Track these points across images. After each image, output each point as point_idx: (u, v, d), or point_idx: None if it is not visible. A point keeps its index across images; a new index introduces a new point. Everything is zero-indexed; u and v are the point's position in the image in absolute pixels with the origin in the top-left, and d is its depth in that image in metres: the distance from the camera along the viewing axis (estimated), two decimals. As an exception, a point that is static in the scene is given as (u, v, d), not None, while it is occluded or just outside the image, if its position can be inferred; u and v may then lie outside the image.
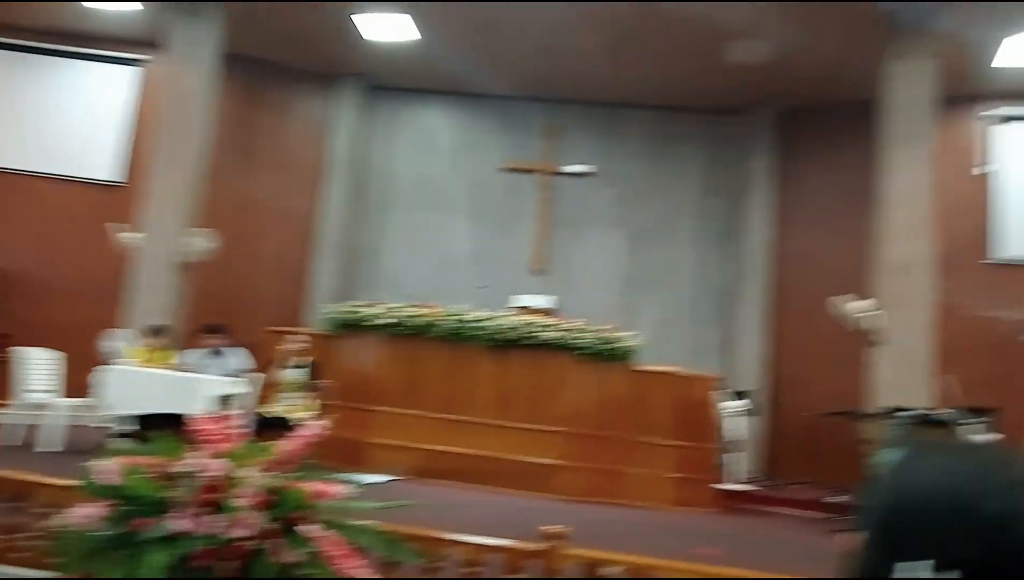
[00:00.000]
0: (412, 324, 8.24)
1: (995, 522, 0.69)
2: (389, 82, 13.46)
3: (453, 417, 8.00)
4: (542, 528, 3.19)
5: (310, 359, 7.35)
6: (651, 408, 8.19)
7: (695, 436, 8.28)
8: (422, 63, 12.47)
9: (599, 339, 8.02)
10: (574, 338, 7.99)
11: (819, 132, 12.57)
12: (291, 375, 7.14)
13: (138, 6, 11.71)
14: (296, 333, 7.49)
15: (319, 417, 6.57)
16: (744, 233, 12.66)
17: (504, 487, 7.52)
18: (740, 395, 9.99)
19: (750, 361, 12.18)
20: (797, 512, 8.70)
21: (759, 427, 11.43)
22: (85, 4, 11.80)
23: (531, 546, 3.14)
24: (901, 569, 0.72)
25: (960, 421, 6.75)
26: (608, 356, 8.04)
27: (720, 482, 8.90)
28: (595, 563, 3.11)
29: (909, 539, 0.73)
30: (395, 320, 8.31)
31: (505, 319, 8.23)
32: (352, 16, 10.99)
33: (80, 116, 12.85)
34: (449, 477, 7.44)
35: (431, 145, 13.68)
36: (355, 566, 3.00)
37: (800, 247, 12.39)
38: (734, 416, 9.60)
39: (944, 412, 6.86)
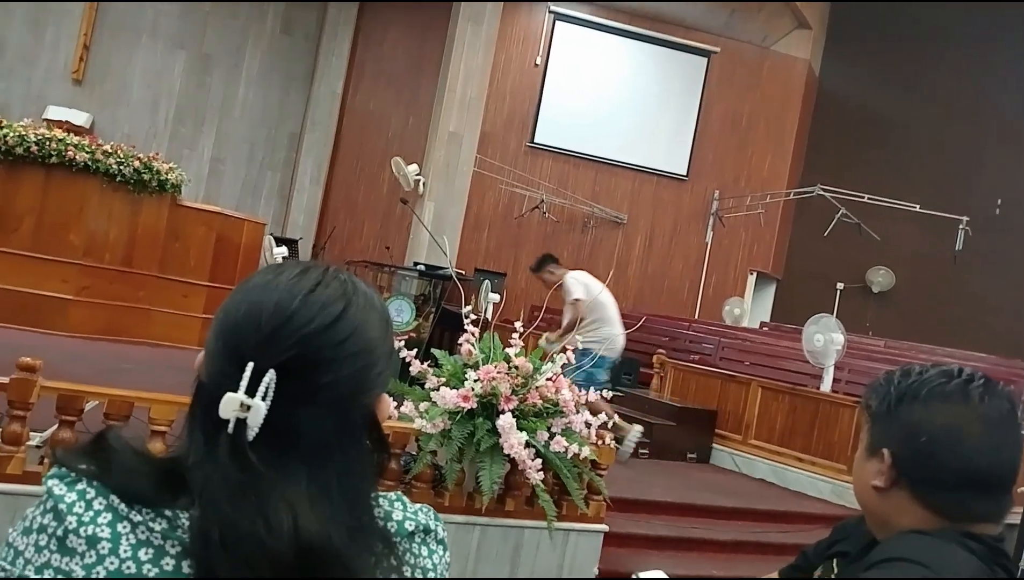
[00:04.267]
0: None
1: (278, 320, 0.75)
2: None
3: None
4: (19, 360, 2.89)
5: None
6: (190, 247, 7.84)
7: (233, 279, 8.17)
8: None
9: (137, 167, 7.30)
10: (108, 163, 7.16)
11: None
12: None
13: None
14: None
15: None
16: (317, 79, 12.44)
17: (3, 322, 6.62)
18: (283, 242, 10.06)
19: (303, 209, 12.29)
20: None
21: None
22: None
23: (-3, 378, 2.83)
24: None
25: (471, 279, 7.70)
26: (145, 187, 7.39)
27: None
28: (72, 395, 2.93)
29: (227, 347, 0.77)
30: None
31: (22, 130, 7.01)
32: None
33: None
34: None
35: None
36: None
37: (368, 103, 12.62)
38: (276, 261, 9.67)
39: (458, 271, 7.73)
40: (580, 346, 4.67)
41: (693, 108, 12.79)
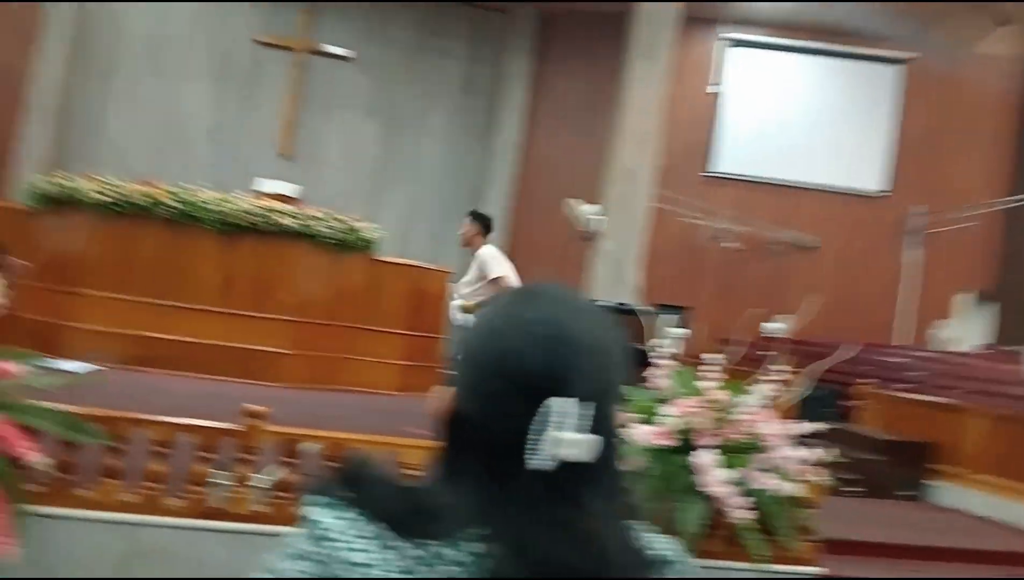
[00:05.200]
0: (133, 202, 7.60)
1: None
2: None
3: (171, 303, 7.57)
4: (243, 407, 3.20)
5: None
6: (384, 298, 8.34)
7: (426, 327, 8.60)
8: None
9: (340, 229, 7.93)
10: (314, 226, 7.83)
11: (574, 38, 13.04)
12: None
13: None
14: None
15: (3, 295, 5.94)
16: (495, 132, 12.98)
17: (225, 375, 7.33)
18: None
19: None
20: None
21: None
22: None
23: (227, 425, 3.14)
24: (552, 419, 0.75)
25: (653, 313, 7.63)
26: (347, 246, 8.00)
27: (445, 368, 9.38)
28: (294, 440, 3.19)
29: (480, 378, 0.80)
30: (112, 197, 7.60)
31: (241, 203, 7.84)
32: None
33: None
34: (166, 365, 7.08)
35: (170, 8, 12.36)
36: (27, 447, 2.85)
37: (545, 150, 12.97)
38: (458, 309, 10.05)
39: (641, 306, 7.68)
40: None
41: (882, 121, 12.06)
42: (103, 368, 6.40)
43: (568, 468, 0.73)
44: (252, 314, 7.70)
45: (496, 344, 0.79)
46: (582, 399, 0.74)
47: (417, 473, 0.85)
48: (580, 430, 0.73)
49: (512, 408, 0.75)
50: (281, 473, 3.24)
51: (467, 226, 6.11)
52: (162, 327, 7.44)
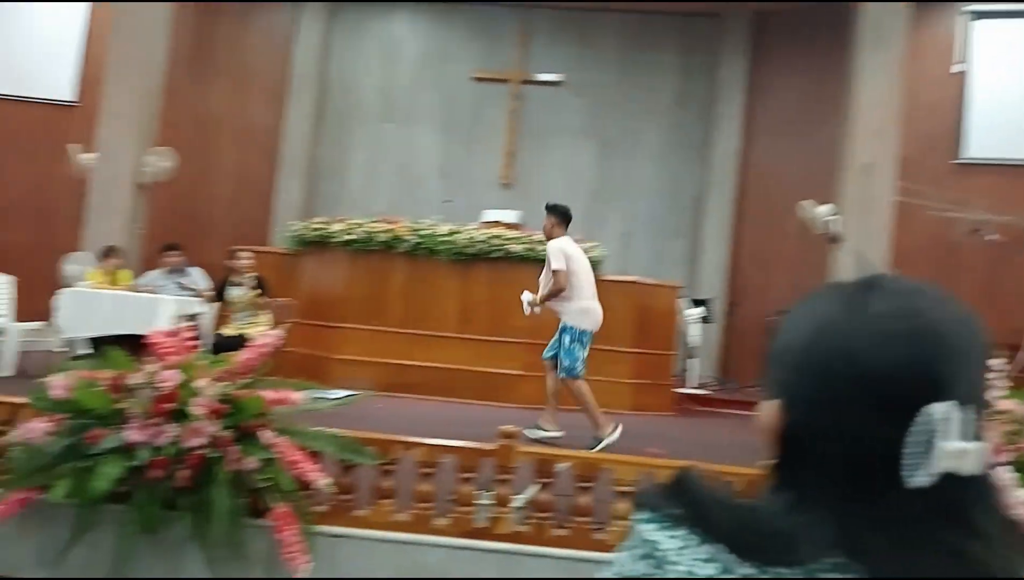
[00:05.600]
0: (377, 240, 8.20)
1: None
2: (352, -9, 13.04)
3: (416, 331, 8.06)
4: (499, 428, 3.28)
5: (255, 276, 7.17)
6: (613, 317, 8.30)
7: (655, 343, 8.46)
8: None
9: (564, 250, 8.04)
10: (539, 250, 8.00)
11: (791, 36, 12.42)
12: (237, 293, 6.99)
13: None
14: (241, 250, 7.27)
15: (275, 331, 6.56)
16: (713, 143, 12.62)
17: (468, 398, 7.66)
18: (698, 303, 10.16)
19: (712, 270, 12.35)
20: (752, 413, 8.98)
21: (716, 333, 11.68)
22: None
23: (485, 446, 3.23)
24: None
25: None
26: (572, 267, 8.08)
27: (678, 387, 9.16)
28: (546, 460, 3.21)
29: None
30: (358, 236, 8.26)
31: (471, 233, 8.21)
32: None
33: (29, 31, 12.32)
34: (413, 390, 7.54)
35: (397, 56, 13.34)
36: (312, 469, 3.09)
37: (765, 155, 12.41)
38: (693, 323, 9.79)
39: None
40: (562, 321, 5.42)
41: None
42: (360, 394, 6.94)
43: (952, 483, 0.64)
44: (488, 338, 7.99)
45: (836, 344, 0.69)
46: (961, 402, 0.65)
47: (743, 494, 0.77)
48: (966, 438, 0.64)
49: (874, 418, 0.66)
50: (536, 493, 3.28)
51: (546, 220, 6.18)
52: (410, 354, 7.93)
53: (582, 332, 5.68)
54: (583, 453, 3.30)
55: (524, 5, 12.89)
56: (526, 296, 5.99)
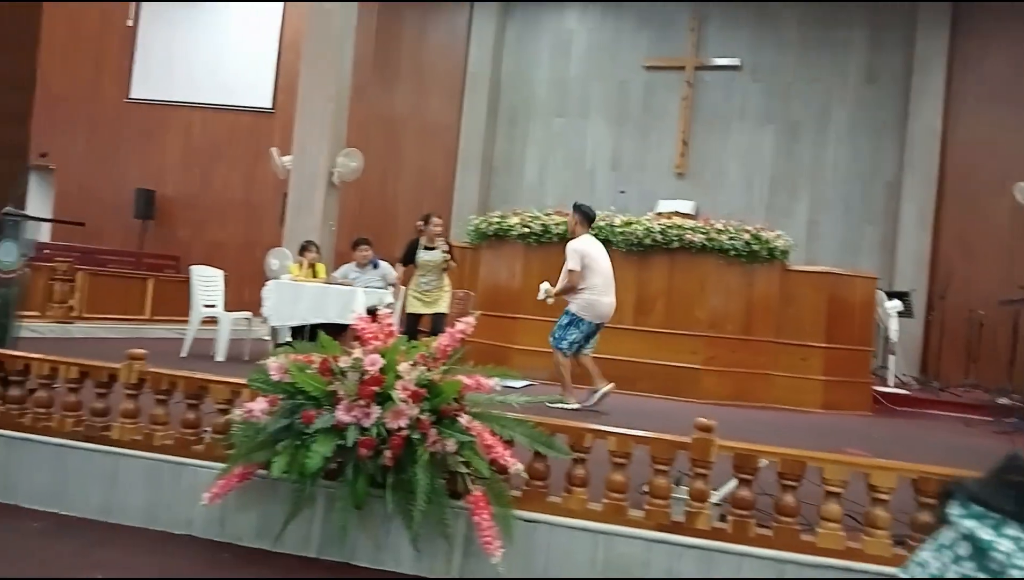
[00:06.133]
0: (553, 232, 8.23)
1: None
2: (525, -12, 13.21)
3: (596, 322, 8.00)
4: (695, 420, 3.16)
5: (445, 240, 7.52)
6: (803, 309, 7.88)
7: (849, 338, 7.94)
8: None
9: (748, 239, 7.71)
10: (719, 239, 7.72)
11: (999, 5, 11.26)
12: (428, 256, 7.37)
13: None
14: (434, 215, 7.63)
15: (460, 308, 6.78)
16: (910, 122, 11.67)
17: (647, 392, 7.52)
18: (896, 295, 9.42)
19: (911, 259, 11.42)
20: (959, 415, 8.22)
21: (916, 328, 10.81)
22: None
23: (681, 438, 3.12)
24: None
25: None
26: (756, 257, 7.74)
27: (875, 384, 8.54)
28: (747, 455, 3.06)
29: None
30: (535, 229, 8.31)
31: (648, 223, 8.04)
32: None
33: (229, 46, 13.42)
34: (589, 382, 7.46)
35: (568, 50, 13.36)
36: (505, 454, 3.11)
37: (970, 132, 11.33)
38: (891, 317, 9.09)
39: None
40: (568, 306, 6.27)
41: None
42: (536, 384, 6.99)
43: None
44: (667, 331, 7.81)
45: None
46: None
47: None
48: None
49: None
50: (735, 489, 3.13)
51: (570, 217, 6.64)
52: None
53: (580, 320, 6.28)
54: (788, 450, 3.10)
55: (696, -11, 12.51)
56: (544, 286, 6.50)
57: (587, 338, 6.41)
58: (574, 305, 6.31)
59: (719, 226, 7.82)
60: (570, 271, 6.27)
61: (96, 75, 13.92)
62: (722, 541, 3.03)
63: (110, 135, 13.75)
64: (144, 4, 13.74)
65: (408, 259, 7.56)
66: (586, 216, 6.55)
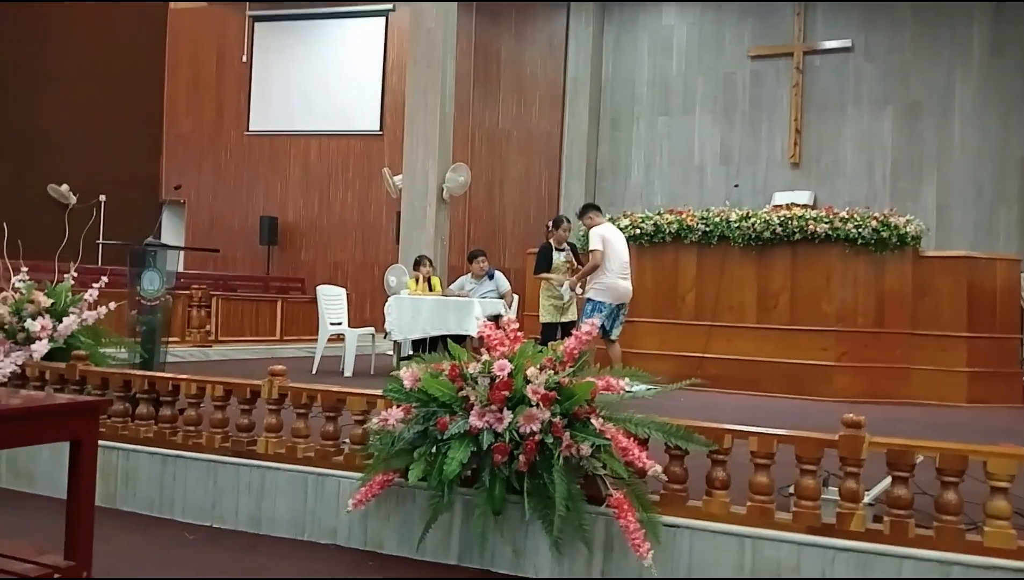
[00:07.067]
0: (666, 231, 8.08)
1: None
2: (620, -11, 13.12)
3: (713, 323, 7.80)
4: (843, 416, 3.00)
5: (571, 244, 7.63)
6: (940, 298, 7.42)
7: (993, 326, 7.42)
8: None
9: (876, 227, 7.33)
10: (844, 228, 7.36)
11: None
12: (560, 258, 7.47)
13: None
14: (563, 218, 7.75)
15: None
16: (1042, 93, 10.88)
17: (772, 391, 7.26)
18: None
19: (1057, 239, 10.61)
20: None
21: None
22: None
23: (829, 435, 2.97)
24: None
25: None
26: (885, 245, 7.35)
27: (1026, 375, 7.94)
28: (902, 450, 2.88)
29: None
30: (647, 229, 8.18)
31: (767, 216, 7.77)
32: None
33: (337, 73, 13.93)
34: (714, 384, 7.27)
35: (670, 47, 13.17)
36: (643, 456, 3.04)
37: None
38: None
39: None
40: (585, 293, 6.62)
41: None
42: (659, 388, 6.86)
43: None
44: (792, 327, 7.53)
45: None
46: None
47: None
48: None
49: None
50: (888, 488, 2.95)
51: (584, 220, 7.02)
52: (707, 347, 7.71)
53: (599, 303, 6.54)
54: (947, 443, 2.90)
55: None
56: (565, 284, 6.97)
57: (611, 321, 6.62)
58: (592, 291, 6.60)
59: (843, 214, 7.47)
60: (592, 251, 6.64)
61: (217, 111, 14.73)
62: (879, 543, 2.86)
63: (234, 167, 14.50)
64: (257, 40, 14.44)
65: (543, 265, 7.50)
66: (595, 208, 7.10)
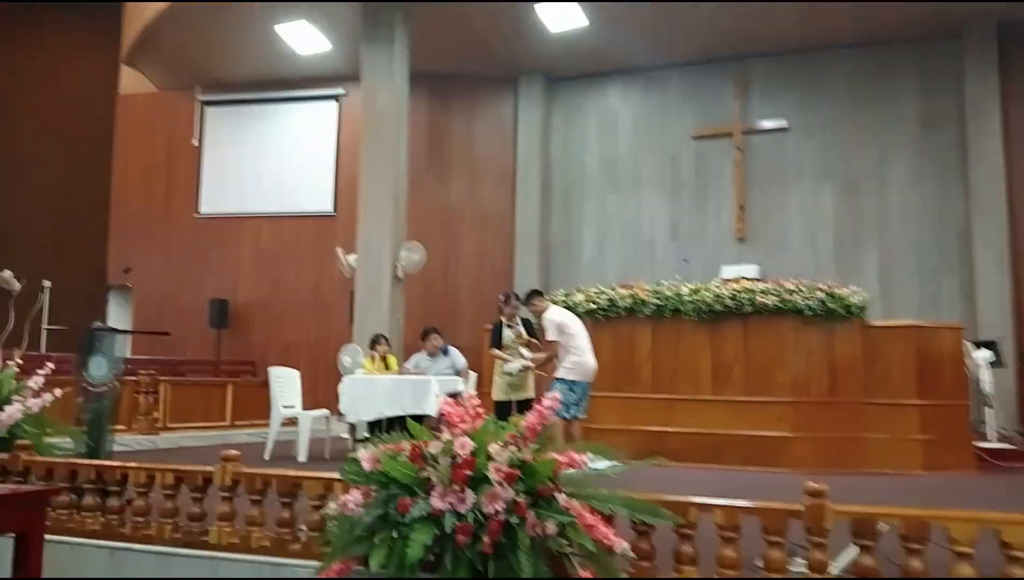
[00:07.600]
0: (620, 305, 8.16)
1: None
2: (567, 72, 13.54)
3: (670, 396, 7.82)
4: (805, 485, 3.00)
5: (521, 319, 7.44)
6: (889, 366, 7.58)
7: (943, 392, 7.58)
8: (596, 48, 12.43)
9: (822, 298, 7.51)
10: (792, 299, 7.53)
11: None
12: (510, 334, 7.31)
13: (329, 45, 12.57)
14: (511, 295, 7.65)
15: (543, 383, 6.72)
16: (973, 165, 11.44)
17: (734, 464, 7.26)
18: (984, 345, 9.02)
19: (994, 306, 10.99)
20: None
21: (1009, 379, 10.29)
22: (294, 51, 12.85)
23: (793, 506, 2.97)
24: None
25: None
26: (833, 315, 7.52)
27: (975, 440, 8.09)
28: (865, 519, 2.89)
29: None
30: (601, 304, 8.26)
31: (717, 289, 7.92)
32: (536, 6, 11.11)
33: (289, 156, 14.01)
34: (673, 458, 7.18)
35: (615, 128, 13.58)
36: (608, 533, 2.99)
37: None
38: (982, 368, 8.67)
39: None
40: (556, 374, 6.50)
41: None
42: (619, 464, 6.80)
43: None
44: (748, 399, 7.59)
45: None
46: None
47: None
48: None
49: None
50: (856, 558, 2.94)
51: (530, 306, 6.98)
52: (666, 420, 7.71)
53: (573, 382, 6.44)
54: (907, 509, 2.92)
55: (737, 57, 12.64)
56: (517, 363, 7.04)
57: (580, 401, 6.54)
58: (563, 370, 6.50)
59: (790, 286, 7.66)
60: (551, 342, 6.58)
61: (167, 194, 14.63)
62: (848, 614, 2.84)
63: (183, 250, 14.33)
64: (208, 124, 14.49)
65: (495, 342, 7.44)
66: (534, 294, 7.06)
